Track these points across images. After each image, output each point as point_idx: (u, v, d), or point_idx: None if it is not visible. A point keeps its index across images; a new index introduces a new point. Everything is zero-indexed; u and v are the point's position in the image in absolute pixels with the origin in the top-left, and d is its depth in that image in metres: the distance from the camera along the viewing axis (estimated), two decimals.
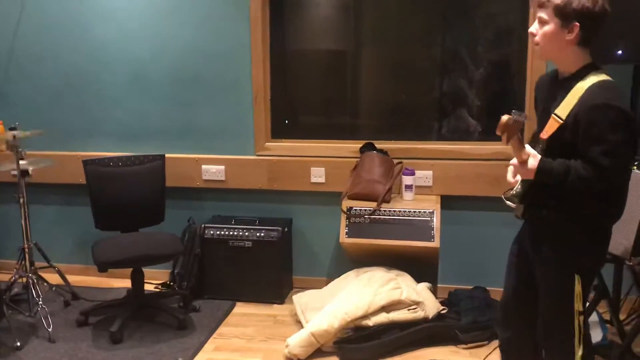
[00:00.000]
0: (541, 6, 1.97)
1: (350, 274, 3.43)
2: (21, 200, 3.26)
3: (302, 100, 3.98)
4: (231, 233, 3.61)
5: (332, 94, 3.91)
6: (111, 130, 3.91)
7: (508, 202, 2.10)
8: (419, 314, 3.10)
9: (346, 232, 3.38)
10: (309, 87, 3.94)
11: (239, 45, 3.67)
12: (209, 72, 3.75)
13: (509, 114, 1.90)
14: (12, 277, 3.45)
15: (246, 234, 3.59)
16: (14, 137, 3.17)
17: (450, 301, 3.34)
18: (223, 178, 3.82)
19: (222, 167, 3.81)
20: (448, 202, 3.51)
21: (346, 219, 3.39)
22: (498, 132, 1.93)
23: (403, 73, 3.78)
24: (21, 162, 3.23)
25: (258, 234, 3.58)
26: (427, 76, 3.76)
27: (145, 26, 3.75)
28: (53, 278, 3.65)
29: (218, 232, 3.62)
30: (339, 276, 3.52)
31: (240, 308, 3.59)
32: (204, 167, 3.83)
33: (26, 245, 3.34)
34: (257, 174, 3.78)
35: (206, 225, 3.65)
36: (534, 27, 2.02)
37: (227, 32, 3.68)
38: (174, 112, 3.83)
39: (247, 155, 3.79)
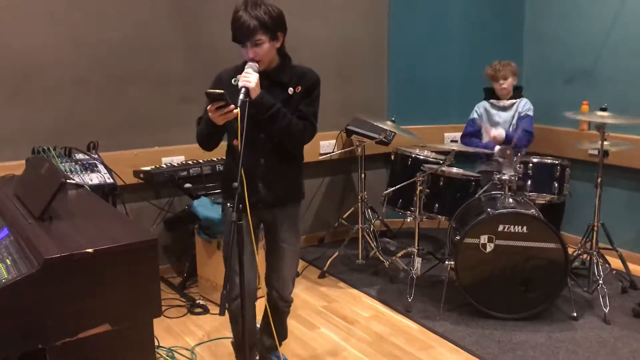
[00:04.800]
0: None
1: None
2: (598, 180, 3.34)
3: None
4: None
5: None
6: None
7: None
8: None
9: None
10: None
11: None
12: None
13: None
14: (575, 251, 3.63)
15: None
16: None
17: None
18: None
19: None
20: None
21: None
22: None
23: None
24: (604, 143, 3.29)
25: None
26: None
27: None
28: (614, 261, 3.65)
29: None
30: None
31: None
32: None
33: (595, 224, 3.43)
34: None
35: None
36: None
37: None
38: None
39: None
